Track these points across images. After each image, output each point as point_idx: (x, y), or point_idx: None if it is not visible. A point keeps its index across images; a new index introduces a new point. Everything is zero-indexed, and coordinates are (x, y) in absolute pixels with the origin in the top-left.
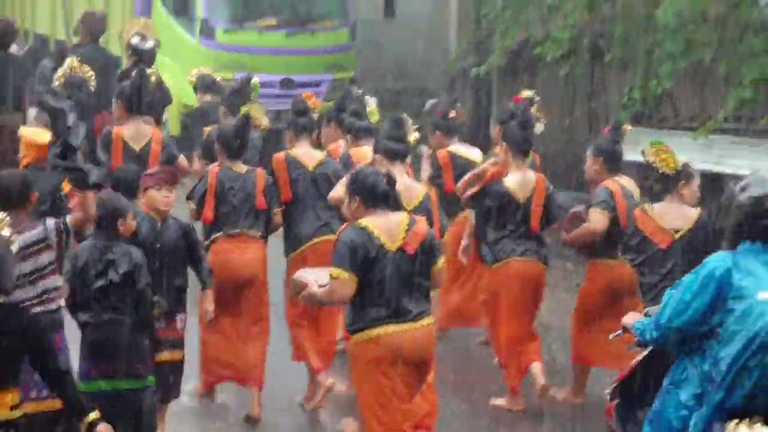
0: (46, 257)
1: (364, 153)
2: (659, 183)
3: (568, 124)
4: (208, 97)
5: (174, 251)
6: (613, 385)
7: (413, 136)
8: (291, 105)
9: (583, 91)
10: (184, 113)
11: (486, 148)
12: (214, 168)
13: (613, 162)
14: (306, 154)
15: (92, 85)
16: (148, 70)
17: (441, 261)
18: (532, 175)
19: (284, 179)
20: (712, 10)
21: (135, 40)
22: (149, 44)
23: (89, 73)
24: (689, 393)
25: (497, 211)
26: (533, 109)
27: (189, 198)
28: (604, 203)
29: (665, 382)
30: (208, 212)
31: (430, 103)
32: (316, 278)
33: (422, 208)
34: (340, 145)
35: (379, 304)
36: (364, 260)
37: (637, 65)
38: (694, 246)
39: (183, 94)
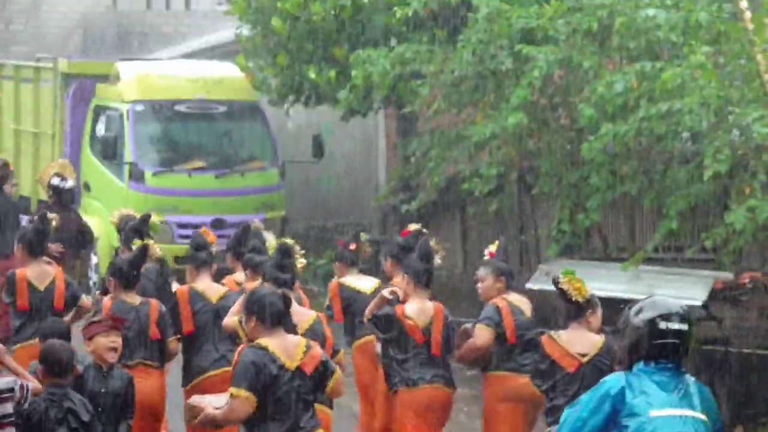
0: (9, 408)
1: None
2: (569, 310)
3: None
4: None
5: (117, 399)
6: None
7: (300, 263)
8: (190, 243)
9: (513, 225)
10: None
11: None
12: (107, 301)
13: (509, 279)
14: (208, 287)
15: None
16: (50, 215)
17: (333, 379)
18: (430, 305)
19: (187, 312)
20: (636, 144)
21: (55, 181)
22: (69, 184)
23: None
24: None
25: (399, 338)
26: (432, 242)
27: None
28: (488, 319)
29: None
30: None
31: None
32: (210, 402)
33: (312, 332)
34: (237, 279)
35: (278, 421)
36: (265, 379)
37: (565, 199)
38: (600, 370)
39: (112, 236)
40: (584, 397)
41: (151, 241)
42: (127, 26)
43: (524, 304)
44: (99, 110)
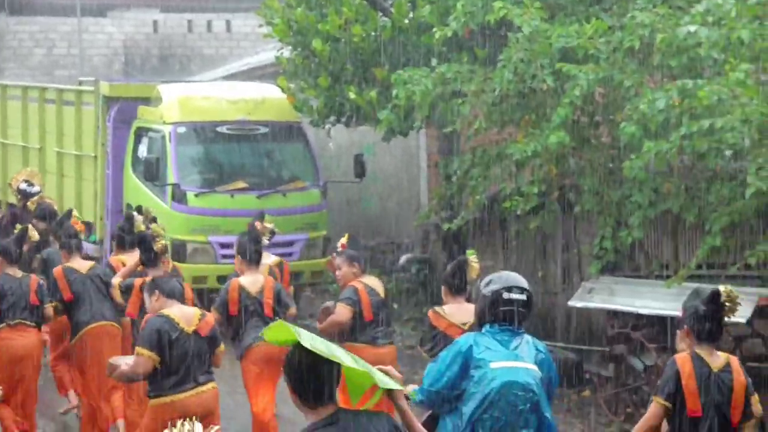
0: None
1: (123, 260)
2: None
3: (541, 275)
4: None
5: None
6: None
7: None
8: (63, 230)
9: (555, 243)
10: None
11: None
12: None
13: (361, 264)
14: (78, 263)
15: None
16: (30, 231)
17: (222, 347)
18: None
19: (63, 284)
20: (678, 161)
21: (23, 186)
22: (35, 189)
23: None
24: None
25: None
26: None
27: None
28: (348, 299)
29: None
30: None
31: (404, 258)
32: (126, 362)
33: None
34: (121, 259)
35: (175, 374)
36: (167, 341)
37: (607, 216)
38: None
39: None
40: (442, 353)
41: (30, 226)
42: (168, 49)
43: (378, 286)
44: (141, 132)
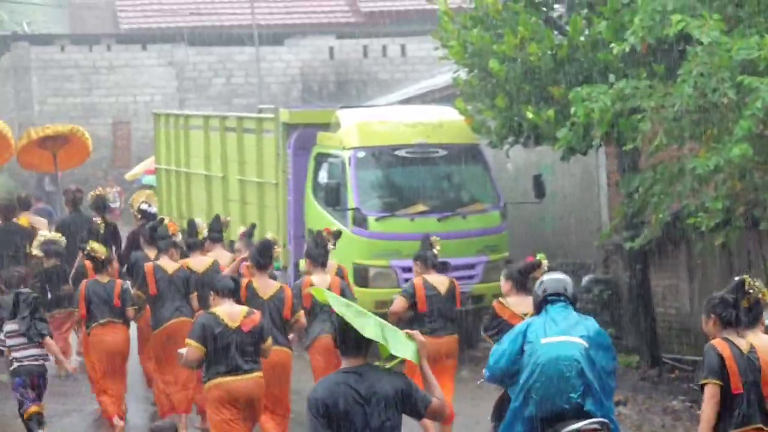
0: None
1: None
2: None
3: None
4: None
5: None
6: (492, 412)
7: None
8: (156, 233)
9: (740, 260)
10: None
11: None
12: (84, 282)
13: (422, 260)
14: (166, 263)
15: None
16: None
17: (269, 341)
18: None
19: (151, 280)
20: None
21: (143, 206)
22: (154, 210)
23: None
24: (510, 409)
25: None
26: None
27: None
28: (405, 292)
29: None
30: (83, 309)
31: (586, 279)
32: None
33: (276, 298)
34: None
35: (221, 362)
36: (210, 334)
37: None
38: None
39: None
40: (505, 336)
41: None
42: (344, 75)
43: (440, 284)
44: (321, 158)
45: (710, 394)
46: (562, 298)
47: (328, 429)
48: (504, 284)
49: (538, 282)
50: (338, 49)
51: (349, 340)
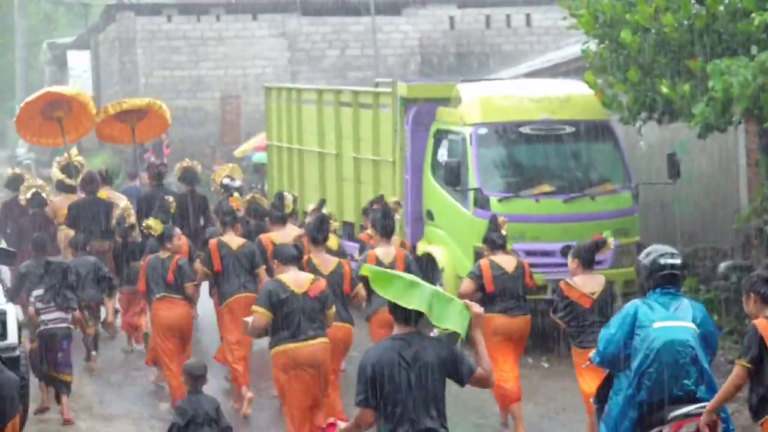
0: None
1: (272, 237)
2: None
3: None
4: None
5: None
6: (595, 394)
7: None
8: (220, 208)
9: None
10: None
11: None
12: (147, 258)
13: (492, 244)
14: (231, 239)
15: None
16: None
17: (332, 310)
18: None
19: (215, 256)
20: None
21: (226, 180)
22: (237, 183)
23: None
24: (622, 395)
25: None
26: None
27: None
28: (472, 274)
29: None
30: (141, 285)
31: (723, 265)
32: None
33: (335, 273)
34: (270, 237)
35: (287, 328)
36: (276, 300)
37: None
38: (605, 300)
39: (459, 266)
40: (612, 319)
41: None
42: (465, 47)
43: (508, 263)
44: (440, 135)
45: (736, 375)
46: (671, 278)
47: (374, 390)
48: (571, 263)
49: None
50: (459, 19)
51: (398, 310)
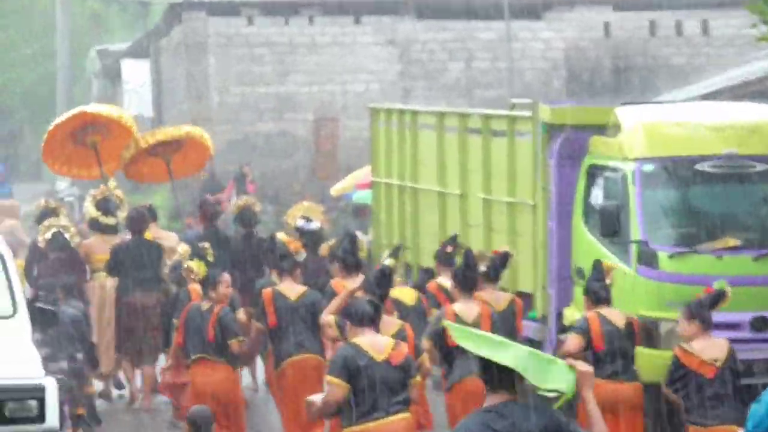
0: None
1: (345, 284)
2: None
3: None
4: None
5: None
6: None
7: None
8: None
9: None
10: None
11: None
12: (188, 306)
13: (595, 296)
14: (289, 287)
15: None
16: None
17: (418, 377)
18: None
19: (270, 309)
20: None
21: (300, 222)
22: (314, 226)
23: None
24: None
25: None
26: None
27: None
28: (579, 329)
29: None
30: (179, 339)
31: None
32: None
33: (398, 336)
34: (344, 284)
35: (365, 403)
36: (355, 368)
37: None
38: (732, 371)
39: None
40: (764, 395)
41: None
42: (624, 60)
43: (617, 317)
44: (594, 171)
45: None
46: None
47: None
48: (687, 326)
49: None
50: (616, 25)
51: (491, 372)
